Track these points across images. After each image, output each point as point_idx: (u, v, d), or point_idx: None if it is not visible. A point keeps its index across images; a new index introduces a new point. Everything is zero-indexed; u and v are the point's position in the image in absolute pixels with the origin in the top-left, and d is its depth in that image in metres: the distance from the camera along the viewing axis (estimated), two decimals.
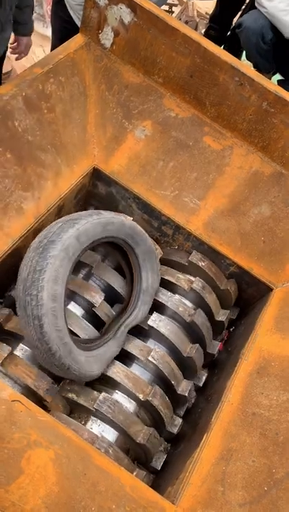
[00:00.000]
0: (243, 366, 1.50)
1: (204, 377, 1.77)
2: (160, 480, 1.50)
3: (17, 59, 2.32)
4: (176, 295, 1.77)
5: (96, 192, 1.88)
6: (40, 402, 1.37)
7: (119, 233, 1.53)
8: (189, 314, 1.68)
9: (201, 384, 1.75)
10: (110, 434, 1.44)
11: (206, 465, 1.29)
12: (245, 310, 1.90)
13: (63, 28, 2.19)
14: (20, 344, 1.49)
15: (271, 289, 1.71)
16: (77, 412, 1.49)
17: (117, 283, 1.67)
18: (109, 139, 1.82)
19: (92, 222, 1.42)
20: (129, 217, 1.61)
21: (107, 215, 1.49)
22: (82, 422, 1.45)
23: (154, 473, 1.56)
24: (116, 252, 1.69)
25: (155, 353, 1.56)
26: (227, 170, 1.82)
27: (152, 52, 1.77)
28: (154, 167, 1.82)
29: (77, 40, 1.80)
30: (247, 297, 1.85)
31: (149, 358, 1.54)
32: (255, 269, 1.74)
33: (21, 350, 1.47)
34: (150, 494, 1.20)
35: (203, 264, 1.78)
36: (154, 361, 1.54)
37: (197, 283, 1.76)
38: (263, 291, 1.75)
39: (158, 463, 1.53)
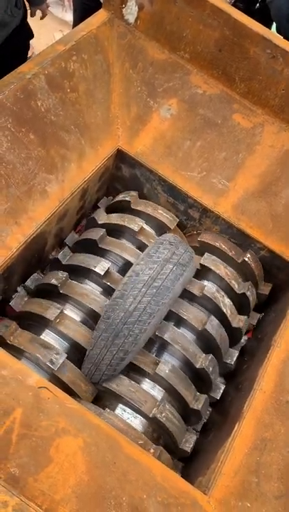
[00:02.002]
0: (275, 353, 1.44)
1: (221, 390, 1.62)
2: (190, 469, 1.46)
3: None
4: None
5: (120, 175, 1.82)
6: (66, 388, 1.34)
7: None
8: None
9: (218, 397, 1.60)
10: (138, 422, 1.41)
11: (238, 455, 1.25)
12: (276, 296, 1.83)
13: (85, 6, 2.11)
14: (47, 330, 1.46)
15: None
16: (104, 399, 1.46)
17: None
18: (134, 119, 1.76)
19: (193, 268, 1.48)
20: None
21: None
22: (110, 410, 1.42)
23: (185, 461, 1.52)
24: None
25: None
26: (258, 149, 1.73)
27: (178, 26, 1.68)
28: (180, 147, 1.75)
29: (99, 16, 1.73)
30: (278, 282, 1.77)
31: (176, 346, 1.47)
32: (287, 252, 1.67)
33: (48, 335, 1.43)
34: (181, 484, 1.16)
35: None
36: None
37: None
38: None
39: (188, 445, 1.47)
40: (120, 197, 1.80)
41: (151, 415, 1.32)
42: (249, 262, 1.69)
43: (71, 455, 1.06)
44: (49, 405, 1.12)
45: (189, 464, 1.50)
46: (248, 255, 1.70)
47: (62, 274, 1.50)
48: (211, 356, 1.49)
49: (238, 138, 1.74)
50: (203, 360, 1.47)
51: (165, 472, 1.15)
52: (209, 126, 1.74)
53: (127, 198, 1.75)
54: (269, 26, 3.58)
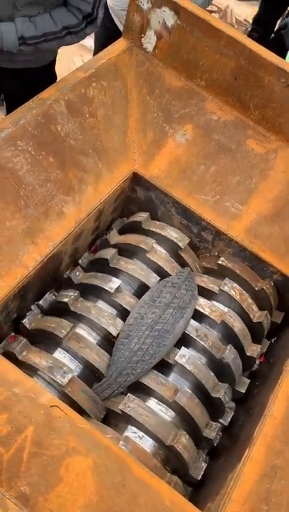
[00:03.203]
0: (287, 379, 1.43)
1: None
2: (199, 494, 1.45)
3: None
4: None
5: (135, 197, 1.86)
6: (77, 408, 1.35)
7: None
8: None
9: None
10: (147, 444, 1.40)
11: (248, 481, 1.23)
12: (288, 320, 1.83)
13: (106, 35, 2.20)
14: (59, 348, 1.48)
15: None
16: (113, 420, 1.46)
17: None
18: (150, 144, 1.80)
19: (192, 310, 1.56)
20: None
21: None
22: (119, 431, 1.42)
23: (193, 486, 1.51)
24: None
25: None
26: (271, 174, 1.76)
27: (195, 55, 1.74)
28: (194, 171, 1.79)
29: (119, 45, 1.79)
30: None
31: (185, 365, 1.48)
32: None
33: (61, 354, 1.45)
34: (190, 509, 1.15)
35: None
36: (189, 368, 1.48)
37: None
38: None
39: (197, 472, 1.47)
40: (131, 218, 1.84)
41: (168, 443, 1.35)
42: (267, 290, 1.70)
43: (81, 475, 1.07)
44: (60, 424, 1.13)
45: (199, 489, 1.49)
46: (266, 283, 1.71)
47: (73, 293, 1.53)
48: (227, 386, 1.51)
49: (251, 163, 1.77)
50: (219, 388, 1.50)
51: (174, 496, 1.14)
52: (223, 151, 1.78)
53: (137, 219, 1.78)
54: (284, 56, 3.66)
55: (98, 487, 1.07)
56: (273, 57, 1.62)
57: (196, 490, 1.49)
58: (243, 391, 1.60)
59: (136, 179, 1.78)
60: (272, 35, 3.66)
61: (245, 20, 4.61)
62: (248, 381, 1.64)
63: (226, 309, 1.65)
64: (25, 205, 1.44)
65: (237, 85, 1.73)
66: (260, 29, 3.69)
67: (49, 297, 1.61)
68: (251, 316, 1.67)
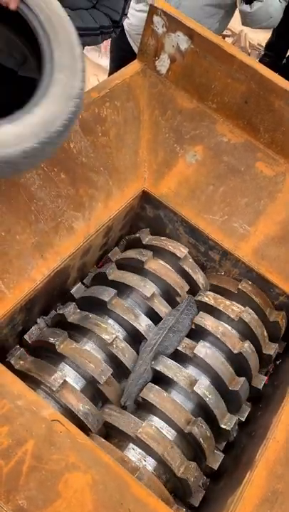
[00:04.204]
0: None
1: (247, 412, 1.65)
2: None
3: None
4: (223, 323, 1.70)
5: (144, 214, 1.88)
6: (79, 423, 1.35)
7: None
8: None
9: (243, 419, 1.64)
10: (149, 464, 1.40)
11: (248, 505, 1.22)
12: None
13: (122, 57, 2.26)
14: (63, 363, 1.48)
15: None
16: (114, 437, 1.45)
17: None
18: (160, 163, 1.83)
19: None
20: None
21: None
22: (120, 448, 1.41)
23: (192, 509, 1.49)
24: None
25: (199, 383, 1.49)
26: (279, 196, 1.77)
27: (207, 78, 1.78)
28: (203, 191, 1.81)
29: (134, 67, 1.84)
30: None
31: (194, 389, 1.48)
32: None
33: (65, 371, 1.46)
34: None
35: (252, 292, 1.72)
36: (198, 392, 1.48)
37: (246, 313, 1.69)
38: None
39: (196, 499, 1.46)
40: (132, 236, 1.88)
41: (179, 475, 1.36)
42: (279, 322, 1.73)
43: (79, 491, 1.06)
44: (61, 439, 1.13)
45: (199, 511, 1.47)
46: (281, 315, 1.73)
47: (75, 308, 1.57)
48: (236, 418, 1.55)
49: (260, 185, 1.79)
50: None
51: None
52: (233, 172, 1.80)
53: (137, 235, 1.83)
54: None
55: (96, 505, 1.06)
56: (284, 83, 1.65)
57: None
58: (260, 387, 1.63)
59: (145, 197, 1.81)
60: (284, 60, 3.71)
61: (258, 44, 4.69)
62: (264, 377, 1.68)
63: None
64: (35, 219, 1.47)
65: (247, 109, 1.76)
66: (272, 54, 3.75)
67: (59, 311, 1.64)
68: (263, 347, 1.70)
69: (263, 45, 4.39)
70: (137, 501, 1.10)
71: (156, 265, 1.74)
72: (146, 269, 1.72)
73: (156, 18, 1.77)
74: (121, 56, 2.38)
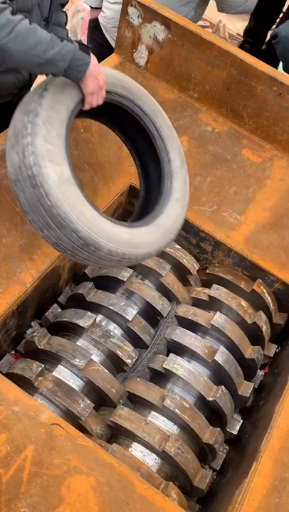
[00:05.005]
0: None
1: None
2: (206, 511, 1.41)
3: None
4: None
5: (133, 210, 1.85)
6: (79, 425, 1.32)
7: None
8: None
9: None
10: (153, 461, 1.37)
11: (257, 496, 1.20)
12: None
13: (99, 52, 2.22)
14: (59, 365, 1.45)
15: None
16: (117, 436, 1.43)
17: None
18: None
19: None
20: None
21: None
22: (124, 447, 1.39)
23: (201, 503, 1.47)
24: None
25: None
26: (268, 183, 1.75)
27: (187, 67, 1.75)
28: (191, 183, 1.77)
29: (112, 60, 1.81)
30: None
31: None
32: None
33: (59, 372, 1.43)
34: None
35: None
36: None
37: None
38: None
39: (217, 463, 1.48)
40: None
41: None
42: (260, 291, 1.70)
43: (83, 495, 1.04)
44: (61, 443, 1.10)
45: (206, 505, 1.45)
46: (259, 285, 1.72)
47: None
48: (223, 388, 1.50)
49: (247, 173, 1.77)
50: (214, 393, 1.49)
51: None
52: (219, 162, 1.78)
53: None
54: (276, 67, 3.69)
55: (101, 507, 1.04)
56: (264, 67, 1.63)
57: (204, 506, 1.46)
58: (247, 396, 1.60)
59: (133, 192, 1.78)
60: (264, 46, 3.68)
61: (237, 34, 4.66)
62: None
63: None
64: (21, 221, 1.44)
65: (230, 96, 1.74)
66: (252, 41, 3.71)
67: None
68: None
69: (242, 33, 4.36)
70: (143, 500, 1.07)
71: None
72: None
73: (131, 9, 1.74)
74: (99, 52, 2.34)
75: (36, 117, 1.08)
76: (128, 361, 1.48)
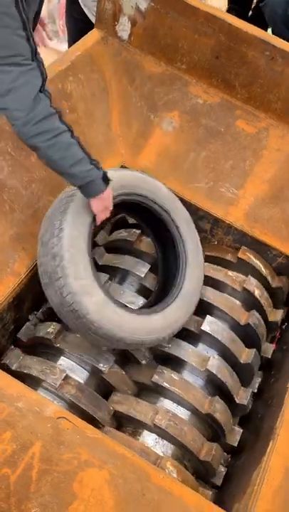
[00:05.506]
0: None
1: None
2: (224, 495, 1.37)
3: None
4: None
5: None
6: (87, 416, 1.27)
7: None
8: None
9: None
10: (167, 449, 1.33)
11: (276, 475, 1.15)
12: None
13: (80, 30, 2.12)
14: (62, 357, 1.40)
15: None
16: (127, 425, 1.38)
17: None
18: (136, 135, 1.73)
19: None
20: None
21: None
22: (135, 437, 1.34)
23: (215, 488, 1.43)
24: None
25: (212, 361, 1.44)
26: (265, 154, 1.69)
27: (173, 37, 1.67)
28: (185, 160, 1.72)
29: (93, 35, 1.72)
30: None
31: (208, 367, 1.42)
32: None
33: (64, 364, 1.37)
34: None
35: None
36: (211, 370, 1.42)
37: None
38: None
39: (219, 478, 1.40)
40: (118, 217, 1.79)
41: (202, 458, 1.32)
42: None
43: (97, 489, 0.99)
44: (69, 436, 1.05)
45: (223, 490, 1.41)
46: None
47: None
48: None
49: (243, 145, 1.70)
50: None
51: (199, 501, 1.06)
52: (213, 135, 1.71)
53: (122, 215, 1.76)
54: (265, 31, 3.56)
55: (117, 500, 0.99)
56: (255, 30, 1.55)
57: (221, 491, 1.42)
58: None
59: None
60: (250, 12, 3.55)
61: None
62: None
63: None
64: (10, 209, 1.37)
65: (220, 65, 1.66)
66: (238, 7, 3.57)
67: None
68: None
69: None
70: (160, 490, 1.03)
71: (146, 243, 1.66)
72: (136, 249, 1.64)
73: None
74: (77, 29, 2.24)
75: (62, 260, 1.20)
76: None
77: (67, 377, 1.29)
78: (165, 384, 1.37)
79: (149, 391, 1.43)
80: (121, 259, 1.62)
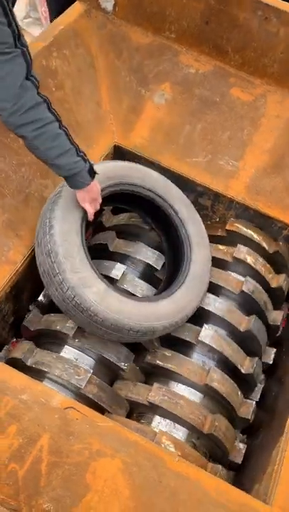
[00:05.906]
0: None
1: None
2: (242, 477, 1.33)
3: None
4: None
5: None
6: (95, 405, 1.22)
7: None
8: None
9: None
10: (179, 432, 1.28)
11: None
12: None
13: (62, 6, 2.02)
14: (66, 346, 1.34)
15: None
16: (137, 411, 1.34)
17: None
18: (127, 111, 1.65)
19: None
20: None
21: None
22: (146, 423, 1.29)
23: (233, 470, 1.39)
24: None
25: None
26: (263, 122, 1.61)
27: (159, 4, 1.59)
28: (180, 133, 1.64)
29: (76, 9, 1.64)
30: None
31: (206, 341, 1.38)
32: None
33: (67, 352, 1.32)
34: (238, 496, 1.03)
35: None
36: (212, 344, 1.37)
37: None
38: None
39: (238, 457, 1.35)
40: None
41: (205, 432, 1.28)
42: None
43: (110, 479, 0.94)
44: (78, 427, 1.00)
45: (242, 471, 1.36)
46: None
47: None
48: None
49: (240, 114, 1.63)
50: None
51: (218, 485, 1.01)
52: (208, 105, 1.63)
53: None
54: None
55: (133, 489, 0.94)
56: None
57: (239, 472, 1.37)
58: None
59: (118, 152, 1.64)
60: None
61: None
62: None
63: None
64: (0, 195, 1.30)
65: (210, 30, 1.57)
66: None
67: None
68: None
69: None
70: (178, 476, 0.98)
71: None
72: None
73: None
74: (61, 5, 2.14)
75: (57, 256, 1.19)
76: None
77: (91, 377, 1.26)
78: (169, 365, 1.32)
79: (157, 376, 1.38)
80: (135, 247, 1.57)
